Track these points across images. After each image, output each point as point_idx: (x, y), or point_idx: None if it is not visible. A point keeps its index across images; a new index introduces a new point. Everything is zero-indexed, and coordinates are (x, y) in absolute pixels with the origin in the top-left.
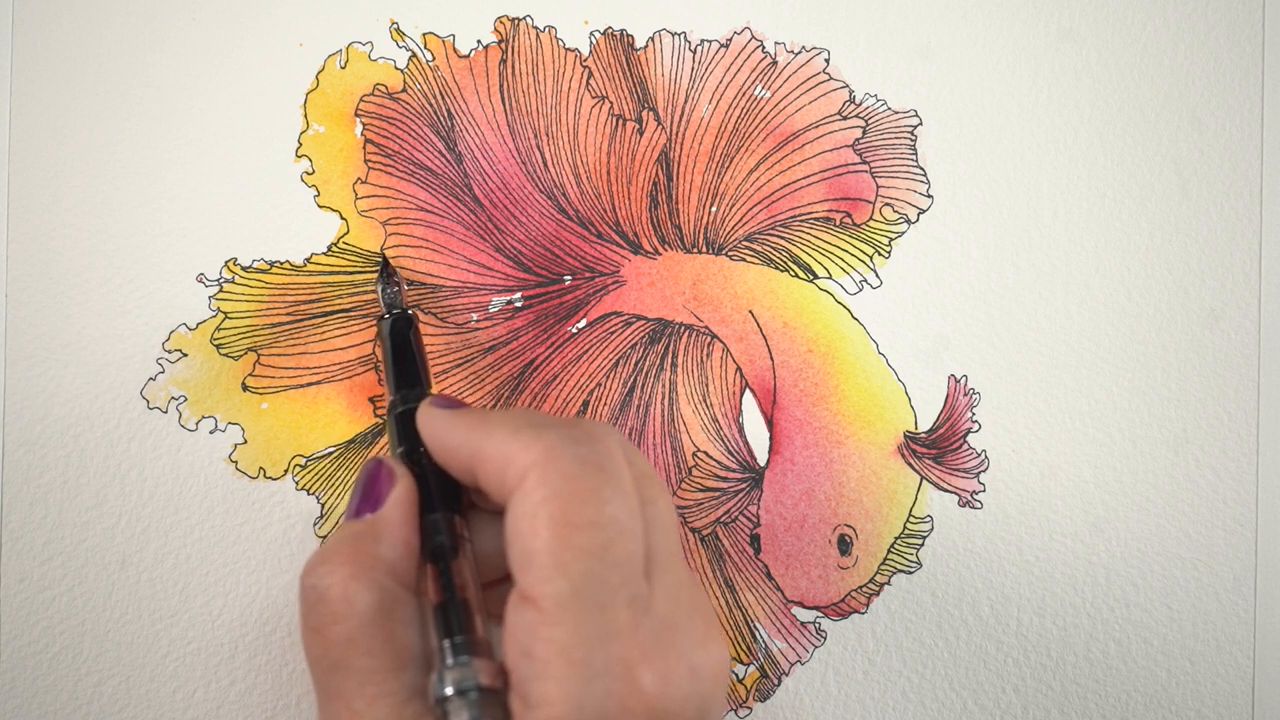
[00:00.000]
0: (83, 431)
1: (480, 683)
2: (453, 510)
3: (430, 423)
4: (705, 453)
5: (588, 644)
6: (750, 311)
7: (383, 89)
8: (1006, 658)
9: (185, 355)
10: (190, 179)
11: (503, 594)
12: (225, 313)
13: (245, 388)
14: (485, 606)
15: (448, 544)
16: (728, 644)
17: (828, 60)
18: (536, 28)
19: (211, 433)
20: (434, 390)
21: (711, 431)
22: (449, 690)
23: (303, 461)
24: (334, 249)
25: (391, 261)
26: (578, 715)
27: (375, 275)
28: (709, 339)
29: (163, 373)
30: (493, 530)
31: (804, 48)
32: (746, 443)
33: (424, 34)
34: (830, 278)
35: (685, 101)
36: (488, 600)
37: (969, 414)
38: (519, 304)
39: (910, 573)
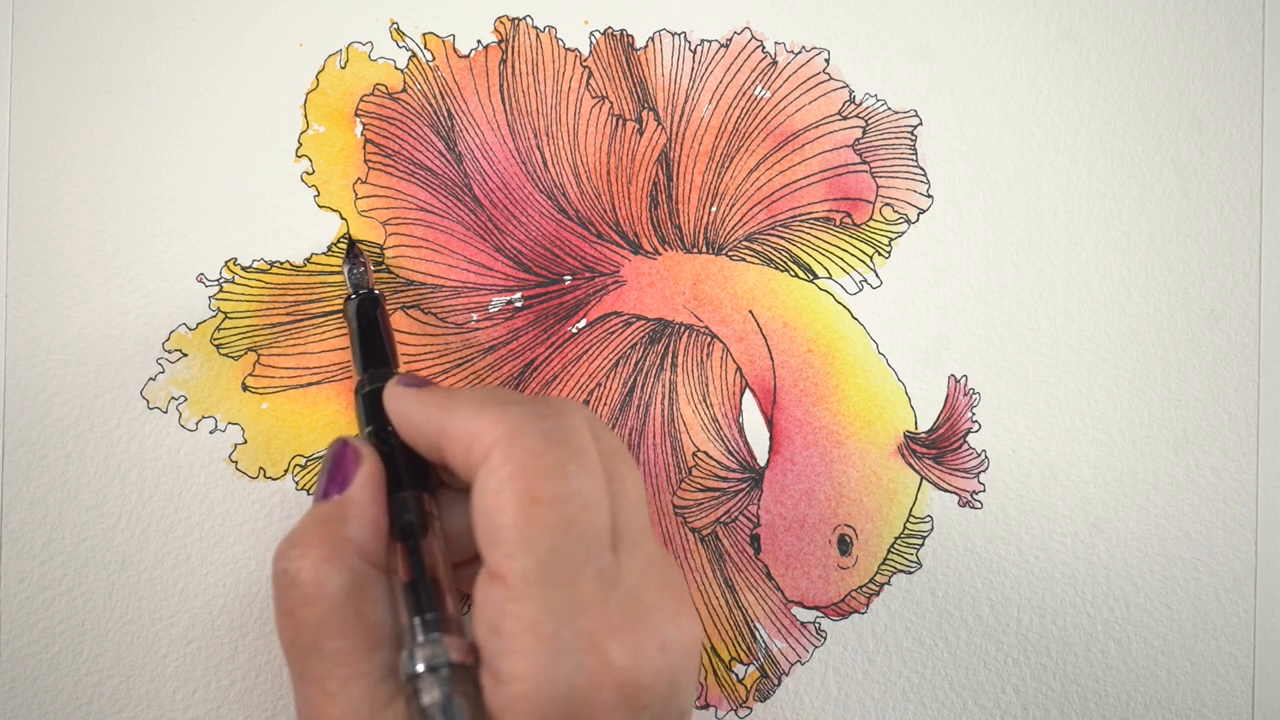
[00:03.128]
0: (83, 431)
1: (451, 659)
2: (421, 489)
3: (396, 401)
4: (705, 453)
5: (555, 618)
6: (750, 311)
7: (383, 89)
8: (1006, 658)
9: (185, 355)
10: (190, 179)
11: (474, 573)
12: (225, 313)
13: (245, 388)
14: (456, 585)
15: (417, 522)
16: (700, 620)
17: (828, 60)
18: (536, 28)
19: (211, 433)
20: (402, 371)
21: (711, 431)
22: (420, 667)
23: (303, 461)
24: (334, 249)
25: (357, 243)
26: (548, 690)
27: (346, 254)
28: (709, 339)
29: (163, 373)
30: (462, 509)
31: (804, 48)
32: (746, 443)
33: (424, 34)
34: (830, 278)
35: (685, 101)
36: (460, 579)
37: (969, 414)
38: (519, 304)
39: (910, 573)
